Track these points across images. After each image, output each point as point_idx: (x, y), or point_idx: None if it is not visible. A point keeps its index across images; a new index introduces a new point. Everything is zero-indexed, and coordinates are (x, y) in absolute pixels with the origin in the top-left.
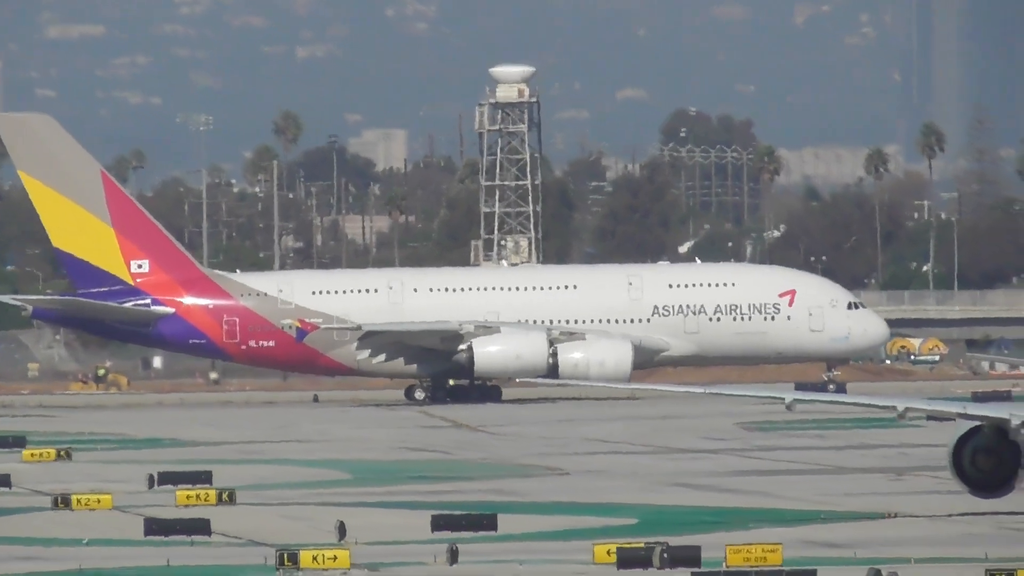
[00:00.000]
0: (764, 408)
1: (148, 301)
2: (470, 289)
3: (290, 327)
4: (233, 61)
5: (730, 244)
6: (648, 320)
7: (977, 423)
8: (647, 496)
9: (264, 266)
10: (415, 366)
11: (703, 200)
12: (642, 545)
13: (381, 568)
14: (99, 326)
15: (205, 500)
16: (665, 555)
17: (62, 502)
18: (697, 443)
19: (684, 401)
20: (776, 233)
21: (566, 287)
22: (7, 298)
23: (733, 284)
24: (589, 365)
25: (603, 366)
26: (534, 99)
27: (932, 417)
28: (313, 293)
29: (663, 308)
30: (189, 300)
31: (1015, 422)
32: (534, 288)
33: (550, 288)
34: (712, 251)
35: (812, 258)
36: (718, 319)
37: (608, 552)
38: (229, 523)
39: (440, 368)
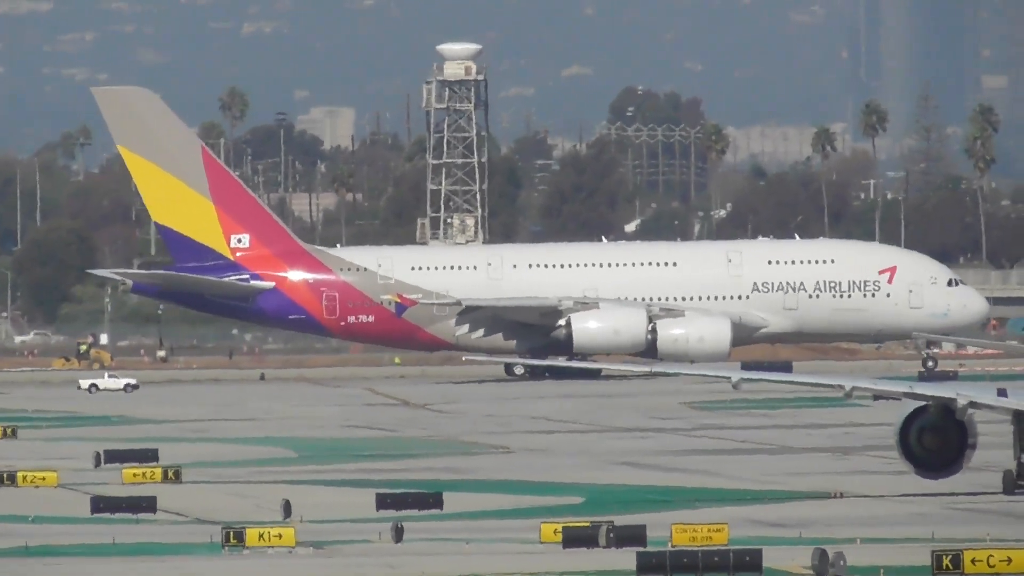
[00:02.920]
0: (710, 387)
1: (247, 276)
2: (569, 265)
3: (389, 303)
4: (179, 37)
5: (677, 223)
6: (747, 297)
7: (924, 403)
8: (593, 475)
9: None
10: (514, 342)
11: (650, 179)
12: (588, 524)
13: (326, 546)
14: (199, 300)
15: (151, 478)
16: (611, 534)
17: (7, 479)
18: (643, 422)
19: (629, 380)
20: (723, 212)
21: (665, 264)
22: (108, 272)
23: (832, 261)
24: (688, 341)
25: (702, 342)
26: (481, 77)
27: (879, 397)
28: (412, 268)
29: (762, 285)
30: (289, 275)
31: (961, 401)
32: (633, 264)
33: (649, 264)
34: (659, 230)
35: (759, 237)
36: (817, 296)
37: (554, 531)
38: (175, 501)
39: (539, 343)
